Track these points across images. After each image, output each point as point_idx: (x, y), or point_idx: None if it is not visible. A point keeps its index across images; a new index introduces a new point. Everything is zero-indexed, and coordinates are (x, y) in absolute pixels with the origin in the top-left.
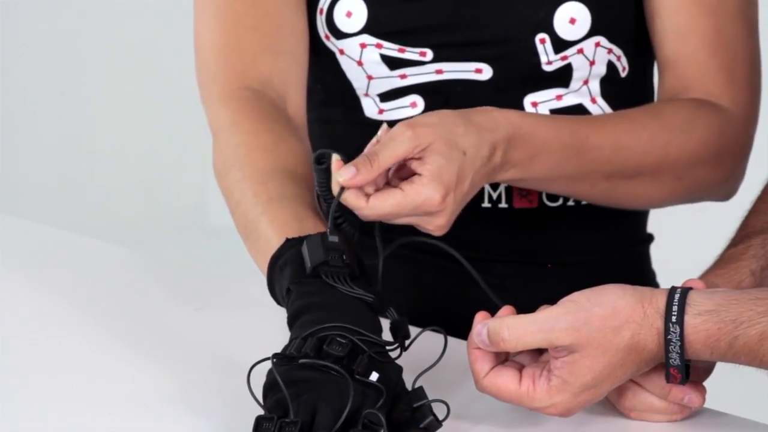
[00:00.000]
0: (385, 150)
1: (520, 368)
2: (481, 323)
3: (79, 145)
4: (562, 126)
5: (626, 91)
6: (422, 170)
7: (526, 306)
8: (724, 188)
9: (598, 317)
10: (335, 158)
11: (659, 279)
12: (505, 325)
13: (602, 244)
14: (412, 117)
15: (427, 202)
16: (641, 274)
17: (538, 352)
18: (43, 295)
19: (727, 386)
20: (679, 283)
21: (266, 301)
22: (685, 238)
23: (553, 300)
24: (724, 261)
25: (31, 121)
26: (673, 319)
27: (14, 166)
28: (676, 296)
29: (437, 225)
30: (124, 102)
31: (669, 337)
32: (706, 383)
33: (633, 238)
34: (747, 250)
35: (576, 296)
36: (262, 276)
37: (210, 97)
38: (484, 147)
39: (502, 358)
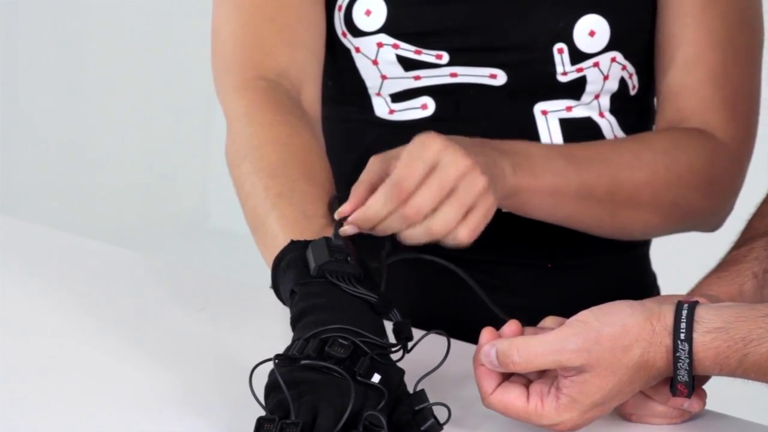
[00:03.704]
0: (363, 175)
1: (527, 383)
2: (489, 344)
3: (80, 146)
4: (544, 143)
5: (633, 108)
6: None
7: (528, 308)
8: (713, 219)
9: (608, 337)
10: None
11: (660, 281)
12: (515, 347)
13: (603, 245)
14: (421, 118)
15: (428, 147)
16: (642, 277)
17: None
18: (44, 296)
19: (728, 388)
20: (679, 286)
21: (268, 303)
22: (686, 241)
23: (552, 301)
24: (726, 264)
25: (32, 123)
26: (682, 336)
27: (14, 168)
28: (684, 312)
29: (462, 163)
30: (125, 103)
31: (678, 354)
32: (706, 385)
33: (633, 241)
34: (749, 252)
35: (584, 316)
36: (263, 278)
37: (225, 86)
38: (474, 139)
39: (508, 374)
